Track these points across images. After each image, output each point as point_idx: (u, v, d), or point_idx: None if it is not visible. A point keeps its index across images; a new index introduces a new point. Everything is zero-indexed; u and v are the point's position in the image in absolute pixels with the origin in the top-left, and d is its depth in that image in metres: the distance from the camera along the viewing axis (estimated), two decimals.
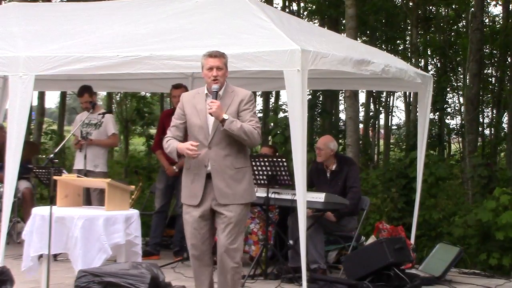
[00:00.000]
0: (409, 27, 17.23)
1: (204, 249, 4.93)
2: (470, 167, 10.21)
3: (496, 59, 16.93)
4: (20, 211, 8.89)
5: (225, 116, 4.66)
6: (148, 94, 18.22)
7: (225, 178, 4.77)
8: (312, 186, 7.11)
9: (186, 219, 4.92)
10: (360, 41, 14.54)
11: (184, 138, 4.94)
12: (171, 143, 4.88)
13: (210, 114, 4.69)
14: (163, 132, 7.81)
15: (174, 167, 7.63)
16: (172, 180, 7.74)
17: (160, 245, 7.87)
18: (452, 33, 17.45)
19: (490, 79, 17.77)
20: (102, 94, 20.55)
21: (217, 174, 4.77)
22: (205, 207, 4.84)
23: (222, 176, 4.77)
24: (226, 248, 4.80)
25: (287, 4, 18.35)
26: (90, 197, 7.49)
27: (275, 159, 6.63)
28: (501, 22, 16.68)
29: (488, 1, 15.74)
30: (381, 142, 22.59)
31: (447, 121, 18.37)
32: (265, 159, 6.64)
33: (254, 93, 18.02)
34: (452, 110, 19.33)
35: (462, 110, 15.93)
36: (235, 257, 4.83)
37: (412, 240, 7.42)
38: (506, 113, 15.95)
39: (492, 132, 17.34)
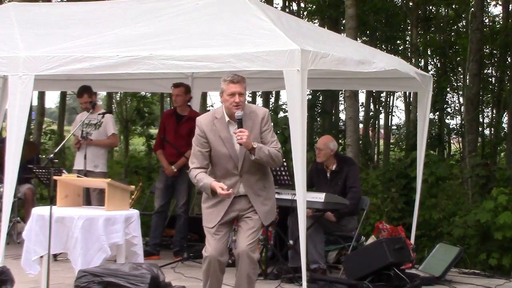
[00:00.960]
0: (409, 27, 17.22)
1: (224, 252, 4.82)
2: (469, 167, 10.21)
3: (496, 59, 16.92)
4: (20, 211, 8.89)
5: (255, 145, 4.65)
6: (148, 94, 18.23)
7: (261, 200, 4.83)
8: (312, 186, 7.11)
9: (206, 235, 4.86)
10: (360, 41, 14.54)
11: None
12: (202, 179, 4.76)
13: (240, 143, 4.66)
14: (164, 132, 7.83)
15: (173, 167, 7.63)
16: (171, 180, 7.74)
17: (160, 245, 7.87)
18: (452, 33, 17.44)
19: (490, 79, 17.75)
20: (102, 94, 20.54)
21: (254, 199, 4.81)
22: (225, 220, 4.82)
23: (257, 198, 4.81)
24: (247, 250, 4.73)
25: (287, 4, 18.35)
26: (90, 197, 7.49)
27: None
28: (501, 22, 16.67)
29: (488, 1, 15.74)
30: (381, 142, 22.58)
31: (447, 121, 18.37)
32: None
33: (254, 93, 18.07)
34: (452, 110, 19.32)
35: (462, 110, 15.92)
36: (255, 262, 4.81)
37: (412, 240, 7.42)
38: (506, 113, 15.94)
39: (492, 132, 17.33)
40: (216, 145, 4.79)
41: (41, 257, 5.30)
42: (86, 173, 7.52)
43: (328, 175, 7.13)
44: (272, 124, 4.97)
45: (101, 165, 7.70)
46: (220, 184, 4.66)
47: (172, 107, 8.17)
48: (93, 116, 7.65)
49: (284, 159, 6.57)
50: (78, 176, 6.24)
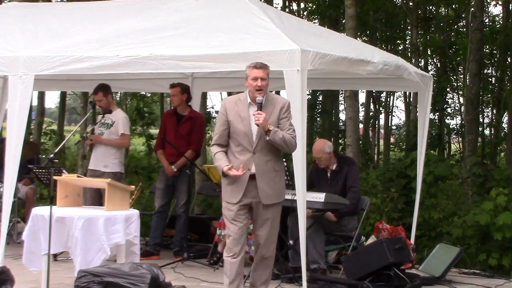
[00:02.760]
0: (409, 27, 17.22)
1: (242, 241, 5.20)
2: (467, 167, 10.21)
3: (496, 59, 16.92)
4: (21, 211, 8.89)
5: (270, 127, 5.02)
6: (148, 94, 18.23)
7: (267, 181, 5.16)
8: (312, 186, 7.11)
9: (226, 214, 5.24)
10: (360, 41, 14.54)
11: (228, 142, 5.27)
12: (218, 160, 5.20)
13: (257, 125, 5.03)
14: (164, 132, 7.82)
15: (173, 167, 7.63)
16: (172, 180, 7.74)
17: (160, 245, 7.86)
18: (452, 33, 17.44)
19: (490, 79, 17.74)
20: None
21: (261, 177, 5.14)
22: (244, 202, 5.17)
23: (265, 179, 5.16)
24: (264, 243, 5.23)
25: (287, 4, 18.35)
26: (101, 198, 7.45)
27: None
28: (501, 22, 16.68)
29: (488, 1, 15.74)
30: (381, 142, 22.58)
31: (447, 121, 18.38)
32: None
33: None
34: (452, 110, 19.33)
35: (462, 110, 15.94)
36: (271, 250, 5.29)
37: (412, 240, 7.42)
38: (506, 113, 15.94)
39: (492, 132, 17.33)
40: (235, 122, 5.17)
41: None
42: (95, 173, 7.50)
43: (329, 174, 7.13)
44: (291, 114, 5.24)
45: (111, 165, 7.59)
46: (230, 166, 5.08)
47: (172, 107, 8.16)
48: (108, 115, 7.64)
49: (284, 159, 6.61)
50: (78, 176, 6.23)
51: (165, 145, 7.78)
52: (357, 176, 7.22)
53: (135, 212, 5.49)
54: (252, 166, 5.14)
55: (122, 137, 7.66)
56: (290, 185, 6.53)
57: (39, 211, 5.31)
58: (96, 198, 7.31)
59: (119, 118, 7.66)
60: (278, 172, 5.23)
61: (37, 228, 5.25)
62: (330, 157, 7.08)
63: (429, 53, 18.33)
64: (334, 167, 7.10)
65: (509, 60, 16.23)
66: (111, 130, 7.65)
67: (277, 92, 17.94)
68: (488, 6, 16.25)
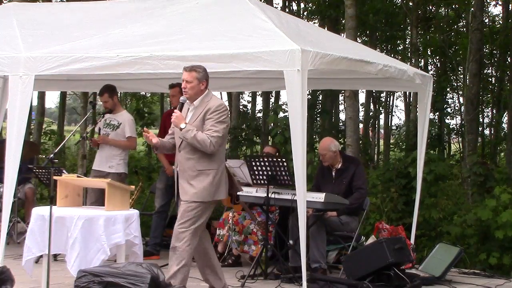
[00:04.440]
0: (409, 27, 17.21)
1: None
2: (468, 166, 10.21)
3: (496, 59, 16.92)
4: (21, 211, 8.89)
5: (182, 126, 5.32)
6: (148, 94, 18.21)
7: (187, 178, 5.38)
8: (319, 189, 7.09)
9: None
10: (360, 41, 14.55)
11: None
12: None
13: (171, 122, 5.43)
14: (164, 132, 7.82)
15: (174, 167, 7.63)
16: (172, 180, 7.73)
17: (160, 245, 7.87)
18: (452, 33, 17.43)
19: (490, 79, 17.75)
20: None
21: (181, 174, 5.44)
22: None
23: (185, 176, 5.41)
24: (177, 234, 5.36)
25: (287, 4, 18.34)
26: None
27: (275, 159, 6.63)
28: (501, 22, 16.68)
29: (488, 1, 15.74)
30: (381, 142, 22.58)
31: (447, 121, 18.36)
32: (265, 159, 6.65)
33: (254, 93, 18.07)
34: (452, 110, 19.32)
35: (462, 110, 15.93)
36: (180, 240, 5.35)
37: (412, 240, 7.42)
38: (506, 113, 15.94)
39: (492, 132, 17.33)
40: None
41: (41, 257, 5.30)
42: (99, 173, 7.51)
43: (333, 173, 7.13)
44: (222, 117, 5.38)
45: (116, 166, 7.57)
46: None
47: (171, 107, 8.16)
48: (113, 116, 7.64)
49: (284, 159, 6.62)
50: (78, 176, 6.24)
51: None
52: (365, 178, 7.25)
53: (135, 212, 5.49)
54: (177, 164, 5.46)
55: (129, 140, 7.64)
56: (290, 185, 6.54)
57: (39, 211, 5.30)
58: (102, 197, 7.32)
59: (125, 120, 7.66)
60: (202, 171, 5.34)
61: (36, 228, 5.24)
62: (335, 156, 7.09)
63: (429, 53, 18.33)
64: (339, 165, 7.12)
65: (509, 60, 16.23)
66: (117, 132, 7.64)
67: (277, 92, 18.05)
68: (488, 6, 16.27)
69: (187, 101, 5.48)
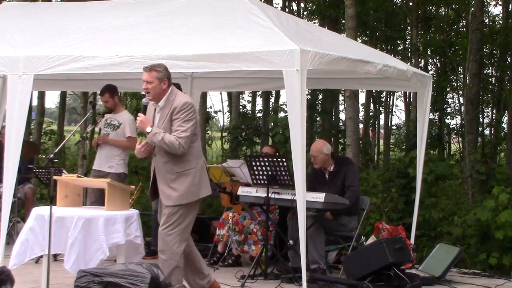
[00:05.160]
0: (409, 27, 17.21)
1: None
2: (469, 165, 10.21)
3: (496, 59, 16.92)
4: (21, 211, 8.89)
5: (148, 129, 5.18)
6: None
7: (166, 182, 5.26)
8: (312, 189, 7.08)
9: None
10: (360, 41, 14.53)
11: None
12: None
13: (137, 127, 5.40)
14: None
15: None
16: None
17: None
18: (452, 33, 17.43)
19: (490, 79, 17.74)
20: None
21: (160, 178, 5.30)
22: (158, 205, 5.47)
23: (163, 180, 5.28)
24: (163, 238, 5.26)
25: (287, 4, 18.33)
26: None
27: (275, 159, 6.63)
28: (501, 22, 16.68)
29: (488, 1, 15.73)
30: (381, 142, 22.56)
31: (447, 121, 18.35)
32: (265, 159, 6.64)
33: (254, 93, 18.05)
34: (452, 110, 19.31)
35: (462, 110, 15.92)
36: (167, 244, 5.25)
37: (412, 240, 7.41)
38: (506, 113, 15.94)
39: (492, 132, 17.33)
40: None
41: (41, 257, 5.29)
42: (99, 173, 7.50)
43: (327, 176, 7.12)
44: (188, 115, 5.23)
45: (116, 166, 7.56)
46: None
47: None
48: (114, 116, 7.64)
49: (284, 159, 6.61)
50: (78, 176, 6.23)
51: None
52: (356, 176, 7.22)
53: (135, 212, 5.49)
54: (154, 168, 5.33)
55: (129, 140, 7.62)
56: (290, 185, 6.54)
57: (39, 211, 5.30)
58: (102, 197, 7.32)
59: (126, 120, 7.65)
60: (181, 173, 5.24)
61: (36, 228, 5.24)
62: (327, 159, 7.07)
63: (429, 53, 18.32)
64: (331, 168, 7.10)
65: (509, 60, 16.23)
66: (118, 132, 7.63)
67: (277, 92, 18.05)
68: (488, 6, 16.26)
69: (151, 102, 5.35)
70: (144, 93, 5.47)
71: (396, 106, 26.30)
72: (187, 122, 5.21)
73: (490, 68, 17.73)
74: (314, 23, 16.85)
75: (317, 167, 7.13)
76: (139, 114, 5.24)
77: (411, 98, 17.30)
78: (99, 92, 7.98)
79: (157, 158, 5.29)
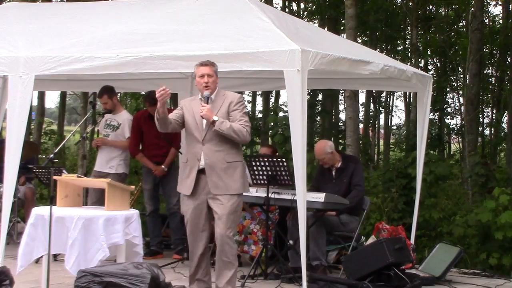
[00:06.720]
0: (409, 27, 17.23)
1: (201, 236, 5.41)
2: (468, 166, 10.22)
3: (496, 59, 16.93)
4: (21, 211, 8.89)
5: (215, 118, 5.24)
6: None
7: (217, 171, 5.28)
8: (319, 189, 7.08)
9: (184, 210, 5.48)
10: (360, 41, 14.55)
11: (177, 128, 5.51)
12: None
13: (202, 117, 5.28)
14: (141, 136, 7.75)
15: (163, 166, 7.63)
16: (158, 179, 7.74)
17: (161, 243, 7.90)
18: (452, 33, 17.44)
19: (490, 79, 17.77)
20: None
21: (210, 168, 5.29)
22: (200, 200, 5.35)
23: (214, 169, 5.28)
24: (222, 235, 5.25)
25: (287, 4, 18.35)
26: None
27: (275, 159, 6.63)
28: (501, 22, 16.69)
29: (488, 1, 15.74)
30: (381, 142, 22.59)
31: (447, 121, 18.38)
32: (265, 159, 6.64)
33: (254, 93, 18.08)
34: (452, 110, 19.34)
35: (462, 110, 15.94)
36: (231, 242, 5.31)
37: (412, 240, 7.41)
38: (506, 113, 15.95)
39: (492, 132, 17.34)
40: (187, 116, 5.43)
41: (41, 257, 5.29)
42: (100, 174, 7.50)
43: (333, 173, 7.13)
44: (245, 108, 5.49)
45: (116, 166, 7.59)
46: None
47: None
48: (113, 117, 7.64)
49: (284, 159, 6.61)
50: (78, 176, 6.23)
51: (144, 148, 7.73)
52: (363, 175, 7.24)
53: (135, 212, 5.49)
54: (201, 157, 5.29)
55: (128, 140, 7.64)
56: (290, 185, 6.54)
57: (39, 211, 5.30)
58: (103, 197, 7.33)
59: (125, 120, 7.67)
60: (231, 163, 5.31)
61: (36, 228, 5.24)
62: (333, 156, 7.09)
63: (429, 53, 18.34)
64: (339, 165, 7.12)
65: (509, 60, 16.24)
66: (117, 132, 7.65)
67: (277, 92, 18.05)
68: (488, 6, 16.28)
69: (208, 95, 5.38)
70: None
71: (396, 106, 26.35)
72: (246, 114, 5.43)
73: (490, 68, 17.76)
74: (314, 23, 16.86)
75: (327, 166, 7.15)
76: (203, 104, 5.28)
77: (411, 98, 17.33)
78: (97, 95, 7.99)
79: (207, 146, 5.29)
